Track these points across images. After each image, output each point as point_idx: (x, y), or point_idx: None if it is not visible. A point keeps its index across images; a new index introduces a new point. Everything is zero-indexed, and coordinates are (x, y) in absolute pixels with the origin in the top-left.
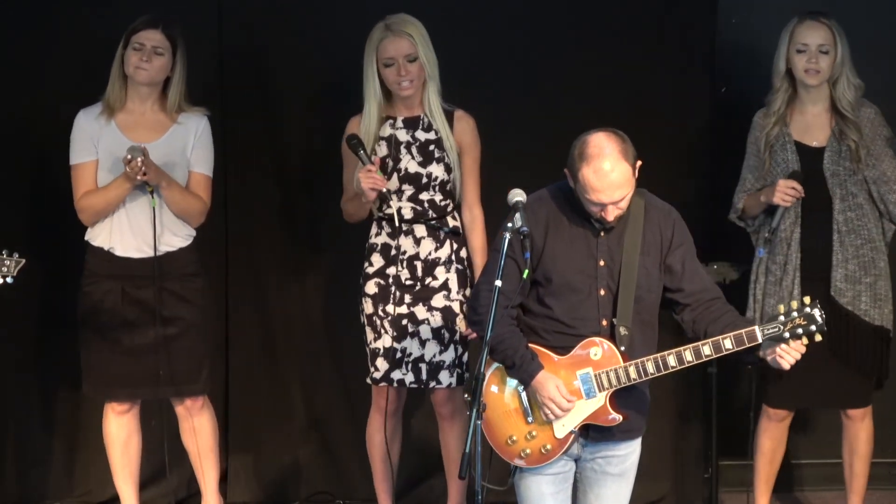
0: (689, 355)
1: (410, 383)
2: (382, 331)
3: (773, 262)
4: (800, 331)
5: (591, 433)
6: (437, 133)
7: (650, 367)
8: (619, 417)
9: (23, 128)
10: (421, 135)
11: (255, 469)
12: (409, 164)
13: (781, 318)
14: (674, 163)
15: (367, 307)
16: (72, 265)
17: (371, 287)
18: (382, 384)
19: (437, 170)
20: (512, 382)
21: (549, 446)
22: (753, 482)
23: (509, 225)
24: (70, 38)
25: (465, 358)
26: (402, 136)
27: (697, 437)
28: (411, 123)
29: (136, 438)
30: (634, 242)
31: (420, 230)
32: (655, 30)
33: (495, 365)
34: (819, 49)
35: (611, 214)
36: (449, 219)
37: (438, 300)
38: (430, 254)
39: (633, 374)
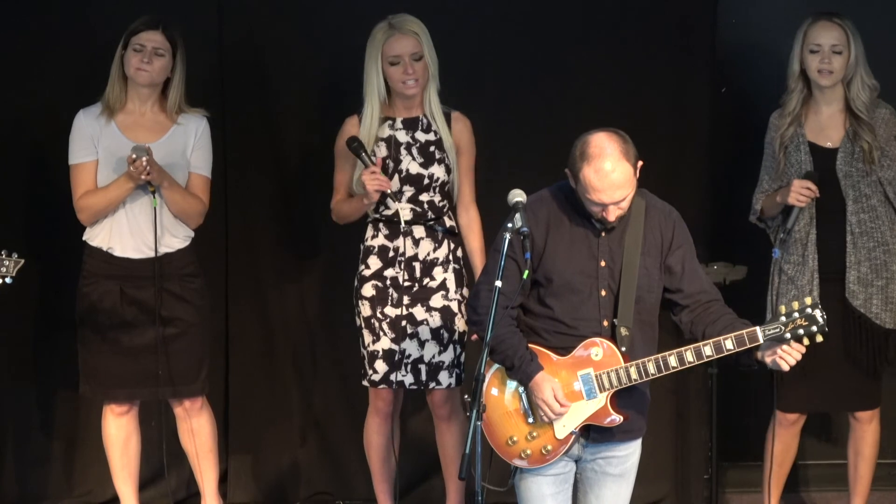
0: (690, 356)
1: (410, 384)
2: (381, 333)
3: (786, 261)
4: (801, 332)
5: (592, 434)
6: (436, 134)
7: (651, 368)
8: (619, 418)
9: (20, 128)
10: (421, 136)
11: (255, 469)
12: (411, 165)
13: (783, 318)
14: (673, 163)
15: (365, 310)
16: (71, 265)
17: (368, 290)
18: (382, 386)
19: (438, 171)
20: (513, 383)
21: (549, 447)
22: (763, 485)
23: (509, 225)
24: (69, 37)
25: (462, 358)
26: (402, 137)
27: (697, 437)
28: (410, 124)
29: (135, 439)
30: (635, 243)
31: (419, 231)
32: (655, 30)
33: (496, 366)
34: (832, 49)
35: (612, 215)
36: (445, 219)
37: (437, 300)
38: (428, 254)
39: (634, 375)
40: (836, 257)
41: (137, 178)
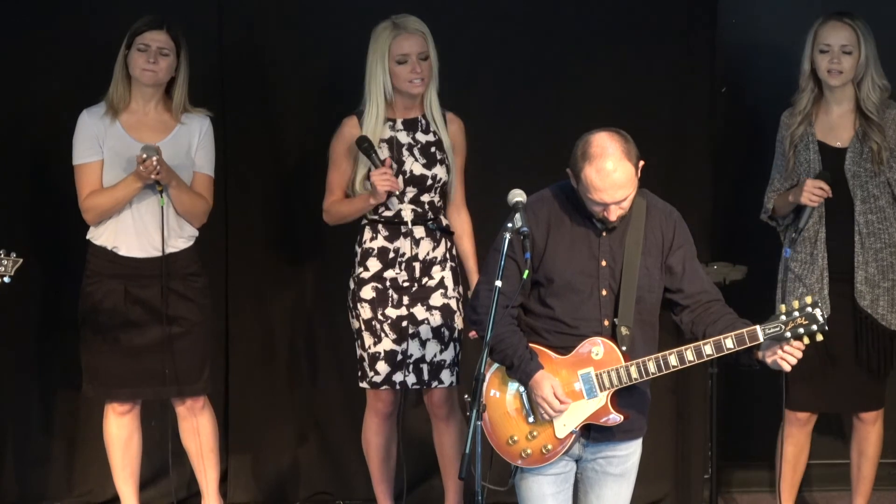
0: (690, 355)
1: (413, 384)
2: (382, 334)
3: (794, 260)
4: (801, 330)
5: (592, 433)
6: (435, 134)
7: (651, 367)
8: (620, 417)
9: (22, 128)
10: (421, 136)
11: (255, 469)
12: (414, 166)
13: (783, 317)
14: (674, 163)
15: (365, 312)
16: (71, 265)
17: (368, 292)
18: (385, 387)
19: (440, 171)
20: (513, 383)
21: (549, 446)
22: (777, 488)
23: (509, 225)
24: (69, 37)
25: (460, 356)
26: (403, 138)
27: (697, 437)
28: (410, 125)
29: (136, 439)
30: (636, 242)
31: (419, 231)
32: (655, 30)
33: (495, 365)
34: (842, 50)
35: (613, 214)
36: (441, 218)
37: (436, 299)
38: (427, 254)
39: (634, 374)
40: (845, 257)
41: (146, 178)
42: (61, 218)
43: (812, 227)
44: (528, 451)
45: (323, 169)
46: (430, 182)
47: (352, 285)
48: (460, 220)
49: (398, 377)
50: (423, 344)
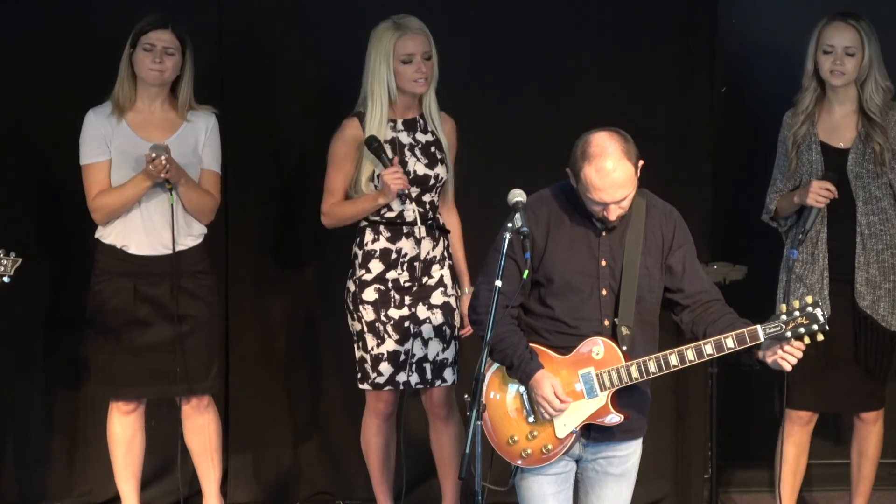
0: (690, 354)
1: (416, 384)
2: (385, 336)
3: (789, 259)
4: (801, 330)
5: (593, 433)
6: (433, 134)
7: (652, 367)
8: (620, 417)
9: (22, 127)
10: (421, 136)
11: (256, 469)
12: (417, 166)
13: (783, 317)
14: (674, 163)
15: (367, 314)
16: (72, 264)
17: (370, 294)
18: (388, 388)
19: (441, 171)
20: (513, 383)
21: (550, 446)
22: (777, 489)
23: (509, 225)
24: (73, 37)
25: (458, 355)
26: (404, 138)
27: (697, 437)
28: (410, 125)
29: (139, 438)
30: (636, 242)
31: (420, 231)
32: (655, 30)
33: (495, 365)
34: (845, 51)
35: (613, 214)
36: (439, 216)
37: (437, 297)
38: (428, 253)
39: (634, 374)
40: (846, 258)
41: (156, 177)
42: (61, 217)
43: (813, 227)
44: (529, 450)
45: (323, 169)
46: (432, 182)
47: (352, 287)
48: (451, 220)
49: (401, 377)
50: (425, 343)
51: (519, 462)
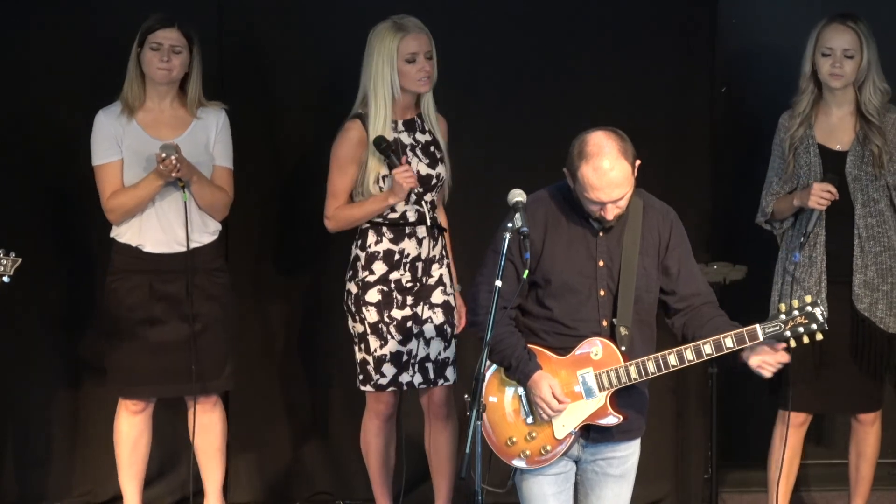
0: (689, 354)
1: (419, 384)
2: (389, 336)
3: (791, 262)
4: (801, 329)
5: (592, 434)
6: (431, 134)
7: (651, 367)
8: (619, 418)
9: (25, 128)
10: (420, 137)
11: (256, 469)
12: (420, 166)
13: (782, 316)
14: (674, 162)
15: (370, 316)
16: (72, 264)
17: (373, 295)
18: (391, 389)
19: (441, 170)
20: (512, 384)
21: (548, 447)
22: (770, 490)
23: (509, 225)
24: (78, 37)
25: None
26: (406, 139)
27: (697, 437)
28: (410, 126)
29: (146, 438)
30: (633, 242)
31: (421, 231)
32: (655, 30)
33: (494, 367)
34: (844, 53)
35: (610, 213)
36: (436, 216)
37: (437, 296)
38: (428, 252)
39: (633, 374)
40: (844, 260)
41: (167, 176)
42: (60, 217)
43: (811, 229)
44: (527, 451)
45: (323, 169)
46: (434, 181)
47: (354, 289)
48: (442, 218)
49: (404, 378)
50: (427, 342)
51: (517, 463)
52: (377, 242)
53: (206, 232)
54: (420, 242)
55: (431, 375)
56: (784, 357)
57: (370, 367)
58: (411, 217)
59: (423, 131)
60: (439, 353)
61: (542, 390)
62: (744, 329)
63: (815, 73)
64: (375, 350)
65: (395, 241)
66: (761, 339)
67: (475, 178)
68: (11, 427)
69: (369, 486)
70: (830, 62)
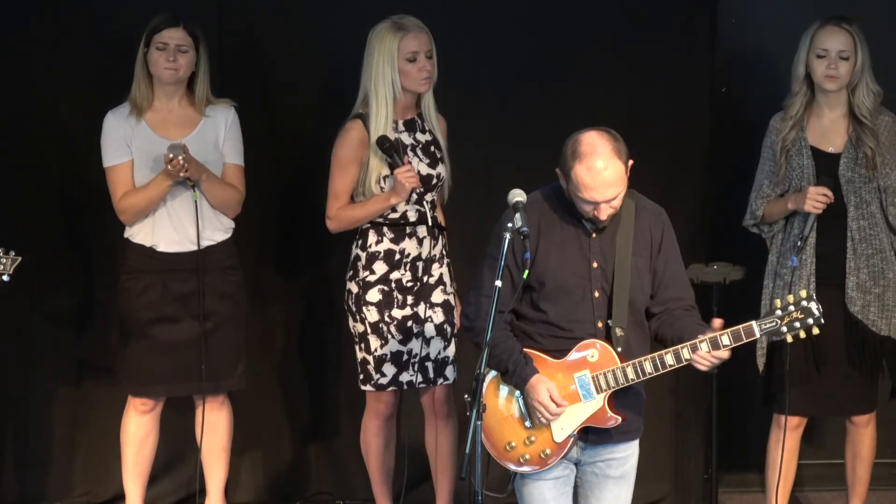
0: (686, 353)
1: (419, 383)
2: (389, 336)
3: (782, 265)
4: (797, 324)
5: (590, 436)
6: (431, 133)
7: (648, 367)
8: (617, 419)
9: (25, 127)
10: (420, 137)
11: (256, 469)
12: (420, 166)
13: (778, 312)
14: (674, 163)
15: (371, 315)
16: (72, 264)
17: (374, 294)
18: (392, 388)
19: (441, 170)
20: (509, 388)
21: (548, 451)
22: (769, 493)
23: (509, 225)
24: (79, 37)
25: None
26: (406, 139)
27: (697, 437)
28: (410, 126)
29: (152, 439)
30: (626, 243)
31: (422, 230)
32: (655, 30)
33: (492, 373)
34: (839, 55)
35: (604, 213)
36: (436, 216)
37: (437, 296)
38: (429, 252)
39: (631, 375)
40: (837, 263)
41: (175, 176)
42: (59, 216)
43: (808, 233)
44: (527, 456)
45: (323, 169)
46: (434, 181)
47: (354, 289)
48: (441, 219)
49: (405, 377)
50: (427, 342)
51: (516, 467)
52: (378, 242)
53: (220, 229)
54: (420, 242)
55: (431, 375)
56: (724, 354)
57: (370, 367)
58: (412, 217)
59: (423, 131)
60: (439, 353)
61: (540, 394)
62: (740, 326)
63: (808, 76)
64: (376, 350)
65: (395, 240)
66: (758, 335)
67: (475, 178)
68: (12, 427)
69: (369, 486)
70: (826, 64)
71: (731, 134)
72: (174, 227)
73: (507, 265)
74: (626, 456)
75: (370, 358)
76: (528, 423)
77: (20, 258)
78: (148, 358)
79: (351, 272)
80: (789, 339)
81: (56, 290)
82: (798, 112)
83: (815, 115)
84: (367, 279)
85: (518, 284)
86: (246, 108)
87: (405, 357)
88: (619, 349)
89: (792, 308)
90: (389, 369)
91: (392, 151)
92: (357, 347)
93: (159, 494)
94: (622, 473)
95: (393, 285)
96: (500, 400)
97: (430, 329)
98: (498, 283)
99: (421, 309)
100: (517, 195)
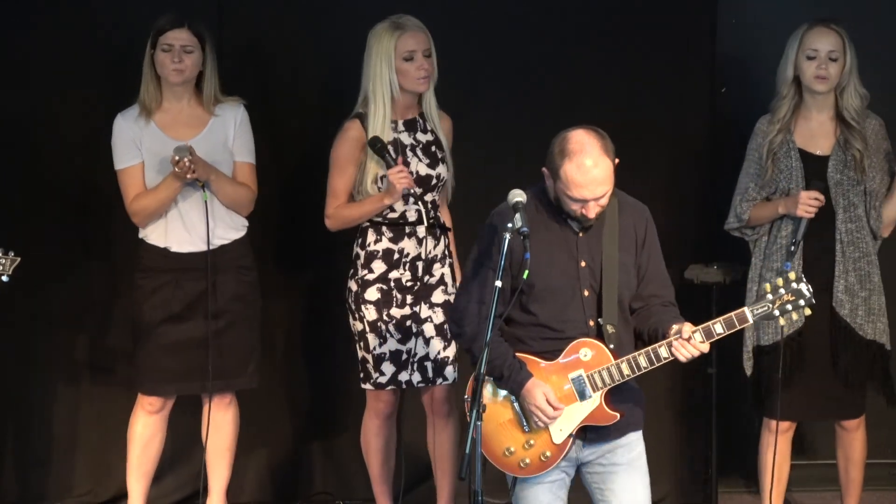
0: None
1: (418, 383)
2: (388, 335)
3: (768, 269)
4: (789, 307)
5: (589, 434)
6: (433, 133)
7: (642, 361)
8: (616, 416)
9: (23, 127)
10: (421, 136)
11: (256, 469)
12: (419, 166)
13: (769, 296)
14: (673, 163)
15: (370, 314)
16: (72, 263)
17: (373, 293)
18: (390, 387)
19: (442, 170)
20: (504, 394)
21: (548, 453)
22: (766, 496)
23: (509, 225)
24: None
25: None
26: (406, 139)
27: (697, 437)
28: (410, 125)
29: (158, 439)
30: (612, 240)
31: (421, 230)
32: (655, 30)
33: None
34: (829, 56)
35: (592, 211)
36: (439, 215)
37: (438, 296)
38: (429, 252)
39: (625, 371)
40: (825, 266)
41: (183, 178)
42: (59, 216)
43: (789, 235)
44: (527, 460)
45: (323, 169)
46: (434, 181)
47: (354, 287)
48: (445, 218)
49: (403, 376)
50: (426, 342)
51: (515, 472)
52: (377, 241)
53: (233, 228)
54: (420, 242)
55: (430, 374)
56: (704, 348)
57: (370, 366)
58: (411, 217)
59: (424, 131)
60: (439, 353)
61: (537, 398)
62: (732, 313)
63: (796, 78)
64: (374, 348)
65: (394, 240)
66: (751, 321)
67: (476, 178)
68: (12, 427)
69: (369, 486)
70: (816, 65)
71: (730, 134)
72: (186, 228)
73: (493, 273)
74: (631, 443)
75: (369, 357)
76: (525, 428)
77: (20, 258)
78: (160, 357)
79: (352, 270)
80: (782, 321)
81: (56, 290)
82: (786, 115)
83: (802, 118)
84: (366, 278)
85: (517, 286)
86: (246, 108)
87: (404, 356)
88: (612, 346)
89: (782, 291)
90: (388, 368)
91: (384, 152)
92: (357, 346)
93: (161, 493)
94: (629, 460)
95: (392, 284)
96: (496, 405)
97: (429, 329)
98: (498, 283)
99: (421, 309)
100: (517, 195)
